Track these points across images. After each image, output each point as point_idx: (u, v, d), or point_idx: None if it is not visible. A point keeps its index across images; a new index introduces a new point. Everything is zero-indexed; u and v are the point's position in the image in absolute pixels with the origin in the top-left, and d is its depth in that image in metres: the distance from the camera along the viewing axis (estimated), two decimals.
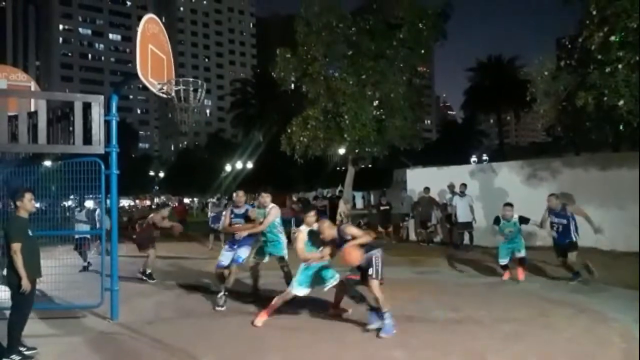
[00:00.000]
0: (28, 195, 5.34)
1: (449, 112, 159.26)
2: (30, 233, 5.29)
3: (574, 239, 8.42)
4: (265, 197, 7.50)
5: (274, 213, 7.35)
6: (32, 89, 8.33)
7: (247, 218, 7.41)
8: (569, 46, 11.38)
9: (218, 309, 6.90)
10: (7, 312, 5.29)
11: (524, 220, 9.29)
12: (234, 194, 7.77)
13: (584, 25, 10.13)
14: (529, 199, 12.94)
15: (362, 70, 14.94)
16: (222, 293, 7.11)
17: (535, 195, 12.93)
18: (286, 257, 7.47)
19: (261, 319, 6.09)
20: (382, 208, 15.76)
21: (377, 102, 15.20)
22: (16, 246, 5.04)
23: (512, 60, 50.76)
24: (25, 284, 5.03)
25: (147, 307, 7.46)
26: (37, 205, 8.54)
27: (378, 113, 15.21)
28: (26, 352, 5.18)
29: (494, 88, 46.54)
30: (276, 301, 6.13)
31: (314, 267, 6.14)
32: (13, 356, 5.05)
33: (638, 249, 10.21)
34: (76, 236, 10.52)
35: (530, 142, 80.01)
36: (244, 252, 7.30)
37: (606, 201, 11.26)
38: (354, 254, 5.61)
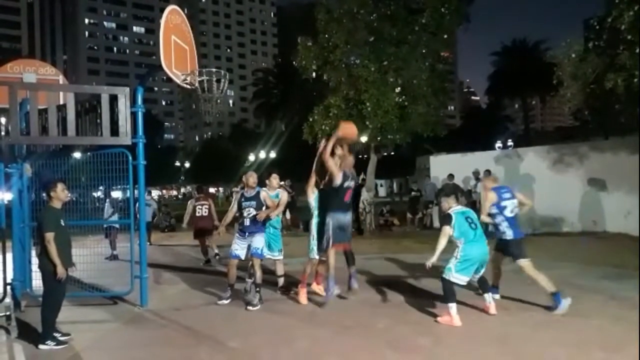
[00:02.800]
0: (60, 186, 5.51)
1: (472, 97, 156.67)
2: (62, 223, 5.43)
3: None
4: (273, 180, 7.31)
5: (285, 197, 7.19)
6: (61, 82, 8.50)
7: (259, 202, 6.70)
8: (597, 27, 11.06)
9: (251, 308, 6.40)
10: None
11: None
12: (244, 177, 7.01)
13: (613, 4, 9.84)
14: (556, 184, 12.75)
15: (383, 56, 14.78)
16: (251, 290, 6.73)
17: (563, 181, 12.74)
18: (281, 257, 7.44)
19: (303, 294, 6.68)
20: (413, 194, 15.70)
21: (399, 88, 15.02)
22: (49, 235, 5.18)
23: (537, 43, 49.63)
24: (61, 272, 5.19)
25: (175, 295, 7.63)
26: (69, 196, 8.82)
27: (400, 100, 15.05)
28: (61, 338, 5.34)
29: (519, 72, 45.53)
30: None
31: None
32: (48, 342, 5.22)
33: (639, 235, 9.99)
34: (105, 225, 10.79)
35: (557, 127, 78.38)
36: (260, 242, 6.68)
37: (636, 186, 11.00)
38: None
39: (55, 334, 5.34)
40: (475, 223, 5.74)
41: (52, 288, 5.32)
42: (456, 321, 5.38)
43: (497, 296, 6.31)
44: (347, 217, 6.29)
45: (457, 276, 5.53)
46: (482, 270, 5.79)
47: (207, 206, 10.73)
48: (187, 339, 5.40)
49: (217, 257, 10.67)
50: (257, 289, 6.59)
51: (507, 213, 6.22)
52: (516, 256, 6.12)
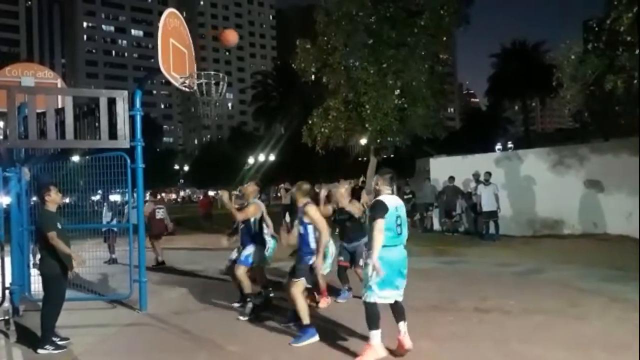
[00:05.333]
0: (54, 189, 5.51)
1: (472, 99, 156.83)
2: (59, 226, 5.40)
3: None
4: (249, 187, 6.74)
5: (251, 209, 6.46)
6: (59, 86, 8.48)
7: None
8: (597, 29, 11.06)
9: (241, 318, 6.11)
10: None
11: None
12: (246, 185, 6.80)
13: (612, 6, 9.83)
14: (556, 186, 12.72)
15: (383, 59, 14.79)
16: (248, 303, 6.27)
17: (563, 182, 12.71)
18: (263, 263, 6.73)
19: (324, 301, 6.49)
20: (405, 197, 15.63)
21: (398, 90, 15.03)
22: (52, 234, 5.16)
23: (537, 45, 49.73)
24: (79, 260, 5.30)
25: (174, 298, 7.59)
26: (67, 200, 8.79)
27: (400, 102, 15.05)
28: (59, 342, 5.30)
29: (518, 74, 45.60)
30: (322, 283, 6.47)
31: None
32: (47, 346, 5.19)
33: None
34: (103, 229, 10.77)
35: (557, 129, 78.49)
36: (248, 250, 6.40)
37: (637, 188, 10.97)
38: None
39: (54, 339, 5.30)
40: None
41: (53, 292, 5.30)
42: (380, 351, 4.51)
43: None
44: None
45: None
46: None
47: (163, 210, 11.53)
48: (187, 343, 5.37)
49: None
50: (248, 299, 6.29)
51: None
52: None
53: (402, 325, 4.60)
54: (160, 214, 11.36)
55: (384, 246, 4.42)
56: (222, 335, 5.52)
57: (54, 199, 5.44)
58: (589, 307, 6.04)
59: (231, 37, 5.74)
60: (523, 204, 13.38)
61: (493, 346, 4.85)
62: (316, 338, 5.07)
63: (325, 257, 5.45)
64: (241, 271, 6.33)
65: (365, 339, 4.63)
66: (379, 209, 4.52)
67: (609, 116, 15.16)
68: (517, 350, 4.73)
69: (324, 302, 6.55)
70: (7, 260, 6.75)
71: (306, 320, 5.14)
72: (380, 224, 4.44)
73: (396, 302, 4.60)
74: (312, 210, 5.28)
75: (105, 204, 11.01)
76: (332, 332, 5.38)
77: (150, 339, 5.61)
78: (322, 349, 4.94)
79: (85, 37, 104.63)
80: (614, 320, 5.47)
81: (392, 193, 4.75)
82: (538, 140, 46.90)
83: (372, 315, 4.50)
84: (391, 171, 4.81)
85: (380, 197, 4.64)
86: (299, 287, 5.17)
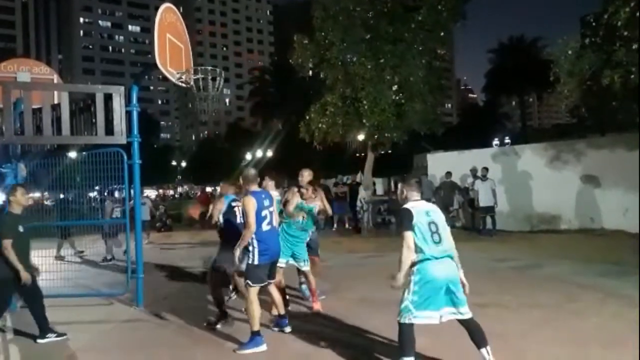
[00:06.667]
0: (20, 190, 5.39)
1: (469, 95, 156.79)
2: (21, 229, 5.26)
3: None
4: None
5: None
6: (55, 81, 8.43)
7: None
8: (594, 24, 11.03)
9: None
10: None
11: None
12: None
13: (610, 1, 9.81)
14: (553, 182, 12.74)
15: (380, 54, 14.76)
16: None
17: (560, 178, 12.73)
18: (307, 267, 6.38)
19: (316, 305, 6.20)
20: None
21: (396, 86, 15.01)
22: (7, 243, 5.04)
23: (534, 40, 49.64)
24: (25, 276, 5.08)
25: (171, 294, 7.58)
26: (62, 196, 8.76)
27: (397, 97, 15.03)
28: (55, 338, 5.34)
29: (516, 69, 45.57)
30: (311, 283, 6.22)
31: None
32: (48, 335, 5.25)
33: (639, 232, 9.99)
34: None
35: (554, 124, 78.46)
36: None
37: (635, 183, 11.00)
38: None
39: (50, 334, 5.33)
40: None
41: (29, 292, 5.29)
42: None
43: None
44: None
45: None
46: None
47: (120, 209, 11.16)
48: (184, 339, 5.37)
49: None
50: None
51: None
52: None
53: (485, 354, 3.95)
54: (117, 212, 10.99)
55: (421, 260, 3.92)
56: (219, 332, 5.52)
57: (19, 200, 5.31)
58: (586, 302, 6.06)
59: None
60: (520, 199, 13.40)
61: (490, 341, 4.84)
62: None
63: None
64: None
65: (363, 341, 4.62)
66: (403, 220, 4.00)
67: (606, 111, 15.15)
68: (515, 345, 4.74)
69: (316, 305, 6.27)
70: None
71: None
72: (408, 238, 3.90)
73: (469, 321, 4.00)
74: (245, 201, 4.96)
75: (108, 200, 11.01)
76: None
77: (147, 335, 5.61)
78: (319, 348, 4.94)
79: (81, 32, 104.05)
80: (611, 316, 5.48)
81: (421, 198, 4.24)
82: (535, 135, 46.91)
83: (405, 338, 3.93)
84: (417, 177, 4.66)
85: (407, 205, 4.10)
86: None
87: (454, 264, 4.05)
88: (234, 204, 5.85)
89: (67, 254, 10.90)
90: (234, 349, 4.91)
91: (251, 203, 4.85)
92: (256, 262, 4.90)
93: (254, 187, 5.10)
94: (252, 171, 5.19)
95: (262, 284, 5.01)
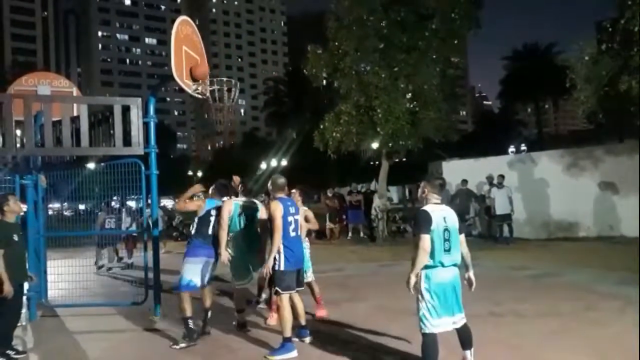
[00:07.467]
0: (13, 199, 5.35)
1: (484, 102, 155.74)
2: (16, 238, 5.22)
3: None
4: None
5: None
6: (74, 94, 8.62)
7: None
8: (610, 29, 10.94)
9: (175, 347, 5.43)
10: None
11: None
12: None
13: (626, 6, 9.74)
14: (571, 188, 12.59)
15: (394, 63, 14.77)
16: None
17: (577, 185, 12.58)
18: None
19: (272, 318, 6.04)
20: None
21: (410, 94, 14.99)
22: None
23: (549, 47, 49.38)
24: (8, 290, 4.93)
25: None
26: (82, 206, 8.92)
27: (411, 106, 15.01)
28: (14, 356, 5.16)
29: (531, 76, 45.30)
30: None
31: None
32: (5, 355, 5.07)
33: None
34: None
35: (570, 131, 77.67)
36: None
37: None
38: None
39: (9, 352, 5.14)
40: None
41: (3, 306, 5.04)
42: None
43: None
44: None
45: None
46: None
47: (114, 220, 11.38)
48: (201, 348, 5.39)
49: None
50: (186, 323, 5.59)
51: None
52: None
53: (468, 355, 4.12)
54: (112, 223, 11.15)
55: (430, 267, 3.87)
56: (237, 340, 5.54)
57: (13, 209, 5.26)
58: (605, 311, 5.97)
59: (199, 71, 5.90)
60: (537, 206, 13.26)
61: (508, 351, 4.81)
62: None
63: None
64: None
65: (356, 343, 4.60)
66: (421, 222, 3.88)
67: (624, 117, 14.96)
68: (533, 355, 4.69)
69: (322, 312, 6.28)
70: None
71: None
72: (425, 241, 3.80)
73: (463, 325, 4.09)
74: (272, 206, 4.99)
75: (123, 209, 11.18)
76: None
77: (164, 345, 5.62)
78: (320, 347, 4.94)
79: (100, 46, 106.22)
80: (629, 325, 5.38)
81: (441, 202, 4.16)
82: (552, 142, 46.52)
83: (428, 349, 3.89)
84: (442, 178, 4.46)
85: (425, 207, 4.02)
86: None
87: (458, 272, 4.07)
88: (213, 212, 5.77)
89: (89, 263, 11.05)
90: (265, 355, 4.91)
91: (278, 208, 4.91)
92: (282, 268, 4.94)
93: (281, 194, 5.15)
94: (281, 179, 5.23)
95: (291, 291, 5.03)
